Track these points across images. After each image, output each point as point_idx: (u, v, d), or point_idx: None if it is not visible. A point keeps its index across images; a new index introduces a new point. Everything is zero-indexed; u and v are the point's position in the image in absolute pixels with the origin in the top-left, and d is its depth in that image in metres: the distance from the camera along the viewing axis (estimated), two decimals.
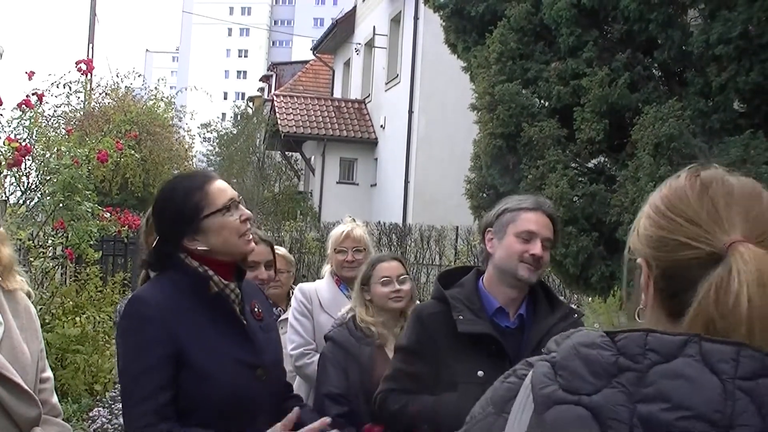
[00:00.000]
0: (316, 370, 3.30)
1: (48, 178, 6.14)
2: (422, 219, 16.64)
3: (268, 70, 42.15)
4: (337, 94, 27.48)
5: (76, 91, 12.10)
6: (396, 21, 21.63)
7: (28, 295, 2.24)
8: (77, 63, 6.79)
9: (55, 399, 2.30)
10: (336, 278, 3.83)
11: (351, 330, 3.21)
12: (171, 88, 38.84)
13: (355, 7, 25.81)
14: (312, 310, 3.76)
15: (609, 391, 1.03)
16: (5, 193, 6.42)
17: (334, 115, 23.59)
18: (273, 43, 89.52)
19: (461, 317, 2.54)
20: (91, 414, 6.66)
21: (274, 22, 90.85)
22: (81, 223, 6.05)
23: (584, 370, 1.06)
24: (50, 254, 6.60)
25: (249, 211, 2.33)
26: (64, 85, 11.01)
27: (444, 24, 9.90)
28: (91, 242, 6.23)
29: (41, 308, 6.04)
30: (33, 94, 6.36)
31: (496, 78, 8.42)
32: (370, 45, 23.58)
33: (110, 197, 15.84)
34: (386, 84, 21.99)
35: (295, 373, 3.64)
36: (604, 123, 7.64)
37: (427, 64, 19.17)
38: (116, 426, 6.40)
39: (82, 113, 18.51)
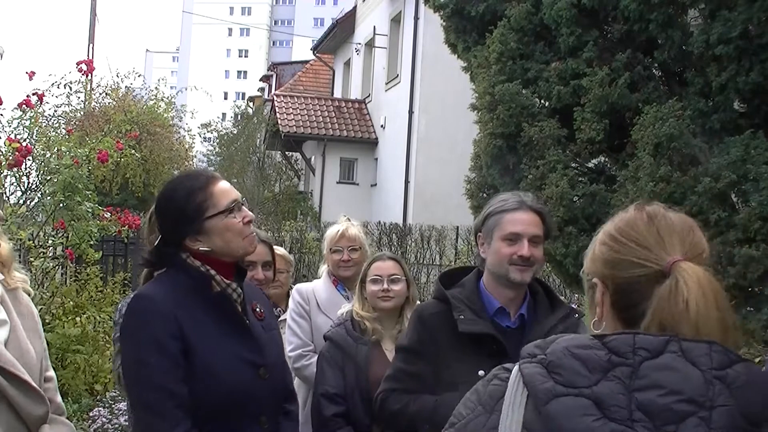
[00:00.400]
0: (314, 371, 3.31)
1: (48, 178, 6.14)
2: (422, 219, 16.64)
3: (268, 70, 42.14)
4: (338, 94, 27.48)
5: (76, 91, 12.13)
6: (396, 21, 21.62)
7: (28, 294, 2.25)
8: (77, 63, 6.79)
9: (59, 398, 2.31)
10: (333, 278, 3.83)
11: (348, 330, 3.23)
12: (171, 88, 38.84)
13: (355, 7, 25.81)
14: (309, 311, 3.76)
15: (607, 383, 1.23)
16: (5, 193, 6.42)
17: (334, 115, 23.59)
18: (273, 43, 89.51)
19: (462, 317, 2.54)
20: (91, 414, 6.66)
21: (275, 22, 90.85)
22: (81, 223, 6.05)
23: (581, 368, 1.26)
24: (50, 254, 6.60)
25: (251, 213, 2.33)
26: (64, 85, 11.03)
27: (444, 24, 9.90)
28: (92, 242, 6.23)
29: (41, 308, 6.04)
30: (33, 94, 6.36)
31: (496, 78, 8.42)
32: (370, 45, 23.58)
33: (110, 197, 15.85)
34: (386, 84, 21.99)
35: (294, 374, 3.64)
36: (605, 123, 7.64)
37: (428, 64, 19.16)
38: (116, 426, 6.39)
39: (82, 113, 18.50)
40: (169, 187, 2.36)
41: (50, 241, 6.40)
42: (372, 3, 23.66)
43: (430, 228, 15.67)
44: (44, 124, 7.87)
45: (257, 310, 2.39)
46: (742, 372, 1.25)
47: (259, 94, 39.71)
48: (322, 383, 3.13)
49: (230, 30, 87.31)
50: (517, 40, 8.43)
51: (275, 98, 25.42)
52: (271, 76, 37.35)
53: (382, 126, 22.27)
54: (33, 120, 6.42)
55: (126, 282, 9.65)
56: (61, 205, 6.07)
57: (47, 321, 6.45)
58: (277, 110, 23.82)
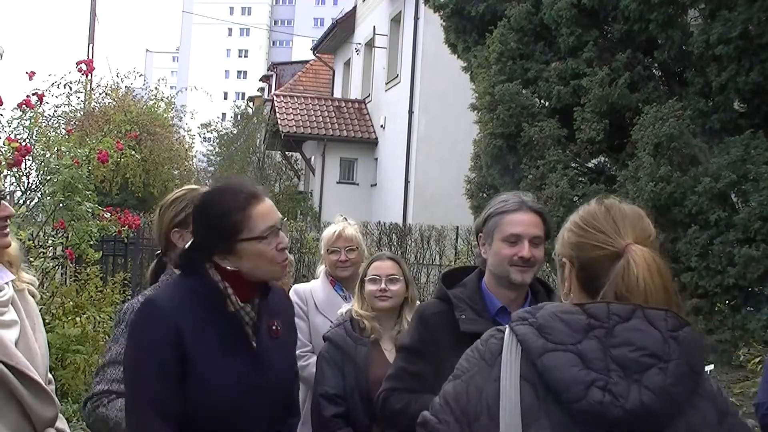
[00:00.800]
0: (313, 371, 3.30)
1: (48, 178, 6.13)
2: (422, 219, 16.63)
3: (268, 70, 42.13)
4: (337, 94, 27.47)
5: (76, 91, 12.12)
6: (396, 21, 21.62)
7: (33, 296, 2.24)
8: (77, 63, 6.77)
9: (57, 401, 2.30)
10: (330, 279, 3.83)
11: (348, 330, 3.22)
12: (171, 88, 38.82)
13: (355, 7, 25.81)
14: (307, 312, 3.75)
15: (588, 342, 1.55)
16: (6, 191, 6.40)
17: (334, 115, 23.59)
18: (273, 43, 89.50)
19: (464, 317, 2.54)
20: None
21: (274, 22, 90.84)
22: (81, 223, 6.04)
23: (566, 329, 1.58)
24: (50, 254, 6.59)
25: (286, 239, 2.26)
26: (64, 86, 11.01)
27: (444, 24, 9.90)
28: (92, 242, 6.21)
29: (41, 308, 6.03)
30: (33, 94, 6.34)
31: (496, 78, 8.42)
32: (370, 45, 23.58)
33: (110, 197, 15.84)
34: (386, 84, 21.99)
35: None
36: (605, 123, 7.64)
37: (428, 64, 19.16)
38: None
39: (82, 113, 18.50)
40: (212, 196, 2.28)
41: (50, 241, 6.39)
42: (372, 3, 23.66)
43: (430, 228, 15.67)
44: (44, 124, 7.86)
45: (274, 327, 2.32)
46: (689, 332, 1.58)
47: (259, 94, 39.71)
48: (321, 384, 3.12)
49: (230, 30, 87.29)
50: (517, 40, 8.43)
51: (275, 98, 25.41)
52: (271, 76, 37.34)
53: (382, 126, 22.27)
54: (33, 120, 6.41)
55: (126, 282, 9.64)
56: (61, 205, 6.06)
57: (47, 321, 6.44)
58: (277, 110, 23.82)
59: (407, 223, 17.62)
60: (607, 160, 8.56)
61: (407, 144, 20.07)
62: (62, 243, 6.33)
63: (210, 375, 2.16)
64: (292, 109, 23.78)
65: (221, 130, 28.70)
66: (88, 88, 17.39)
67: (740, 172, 6.63)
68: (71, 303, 7.42)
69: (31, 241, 6.07)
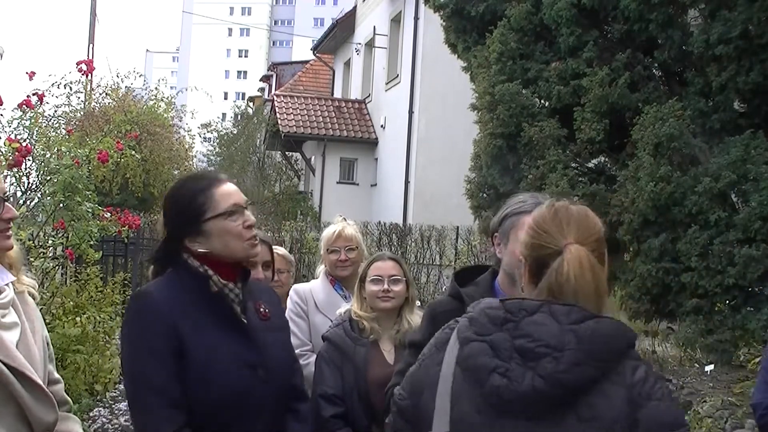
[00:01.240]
0: (313, 371, 3.30)
1: (48, 178, 6.12)
2: (422, 219, 16.63)
3: (268, 70, 42.13)
4: (338, 94, 27.47)
5: (76, 92, 12.12)
6: (396, 21, 21.63)
7: (33, 298, 2.24)
8: (78, 63, 6.77)
9: (66, 395, 2.31)
10: (330, 278, 3.84)
11: (347, 330, 3.22)
12: (171, 88, 38.82)
13: (355, 7, 25.81)
14: (307, 311, 3.76)
15: (500, 334, 1.78)
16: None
17: (334, 115, 23.59)
18: (273, 43, 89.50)
19: None
20: (91, 414, 6.65)
21: (275, 22, 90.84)
22: (81, 224, 6.04)
23: (487, 322, 1.81)
24: (50, 254, 6.59)
25: (253, 218, 2.33)
26: (64, 86, 11.01)
27: (444, 24, 9.90)
28: (92, 242, 6.21)
29: (41, 308, 6.03)
30: (33, 95, 6.34)
31: (496, 78, 8.42)
32: (370, 45, 23.58)
33: (110, 197, 15.82)
34: (386, 84, 21.99)
35: None
36: (605, 123, 7.64)
37: (428, 64, 19.16)
38: (116, 426, 6.40)
39: (82, 113, 18.48)
40: (175, 186, 2.42)
41: (50, 241, 6.38)
42: (372, 3, 23.66)
43: (430, 228, 15.67)
44: (44, 125, 7.84)
45: (262, 310, 2.39)
46: (592, 325, 1.74)
47: (259, 94, 39.70)
48: (320, 384, 3.12)
49: (230, 30, 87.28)
50: (517, 40, 8.43)
51: (275, 98, 25.41)
52: (271, 76, 37.34)
53: (382, 126, 22.27)
54: (33, 120, 6.40)
55: (126, 282, 9.64)
56: (61, 205, 6.06)
57: (47, 321, 6.44)
58: (277, 110, 23.82)
59: (407, 223, 17.63)
60: (607, 160, 8.56)
61: (407, 144, 20.07)
62: (62, 243, 6.33)
63: (207, 356, 2.21)
64: (292, 109, 23.78)
65: (221, 131, 28.71)
66: (89, 89, 17.39)
67: (740, 172, 6.62)
68: (71, 303, 7.43)
69: (31, 241, 6.07)
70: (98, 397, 7.06)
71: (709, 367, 7.55)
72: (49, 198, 6.15)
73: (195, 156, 26.59)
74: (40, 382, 2.04)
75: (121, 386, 7.03)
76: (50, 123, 12.45)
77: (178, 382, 2.17)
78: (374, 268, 3.27)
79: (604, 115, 7.65)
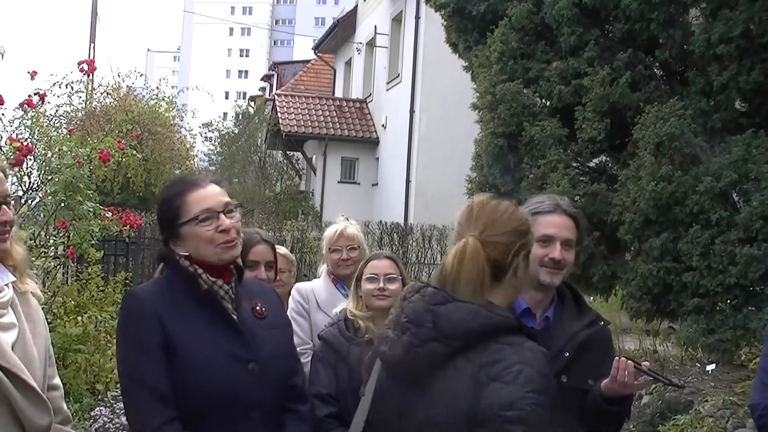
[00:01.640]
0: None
1: (50, 177, 6.13)
2: (423, 218, 16.64)
3: (269, 70, 42.12)
4: (339, 93, 27.46)
5: (77, 91, 12.16)
6: (397, 20, 21.62)
7: (38, 299, 2.23)
8: (79, 63, 6.78)
9: (65, 407, 2.30)
10: (332, 277, 3.87)
11: (341, 330, 3.21)
12: (172, 87, 38.81)
13: (356, 7, 25.80)
14: (309, 310, 3.79)
15: (396, 310, 2.10)
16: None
17: (335, 114, 23.59)
18: (274, 42, 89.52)
19: None
20: (92, 413, 6.66)
21: (276, 21, 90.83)
22: (83, 223, 6.05)
23: (399, 302, 2.10)
24: (52, 254, 6.60)
25: (229, 222, 2.32)
26: (65, 85, 11.05)
27: (445, 23, 9.90)
28: (93, 242, 6.22)
29: (42, 307, 6.03)
30: (35, 94, 6.35)
31: (497, 77, 8.42)
32: (371, 44, 23.58)
33: (112, 197, 15.85)
34: (387, 83, 21.98)
35: None
36: (606, 122, 7.63)
37: (429, 63, 19.16)
38: (118, 425, 6.40)
39: (83, 113, 18.51)
40: (162, 190, 2.53)
41: (51, 241, 6.40)
42: (373, 2, 23.66)
43: (432, 227, 15.68)
44: (46, 124, 7.86)
45: (258, 308, 2.42)
46: (450, 308, 1.96)
47: (260, 93, 39.71)
48: (314, 384, 3.11)
49: (231, 29, 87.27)
50: (518, 39, 8.42)
51: (276, 98, 25.41)
52: (272, 75, 37.35)
53: (383, 125, 22.27)
54: (34, 120, 6.41)
55: (127, 281, 9.64)
56: (63, 204, 6.06)
57: (48, 321, 6.44)
58: (278, 110, 23.82)
59: (408, 222, 17.64)
60: (608, 159, 8.56)
61: (408, 143, 20.07)
62: (64, 242, 6.34)
63: (195, 350, 2.25)
64: (294, 108, 23.78)
65: (222, 130, 28.70)
66: (90, 88, 17.42)
67: (741, 171, 6.62)
68: (73, 302, 7.44)
69: (32, 241, 6.07)
70: (99, 397, 7.06)
71: (710, 367, 7.55)
72: (50, 197, 6.15)
73: (196, 155, 26.62)
74: (34, 384, 2.02)
75: None
76: (52, 122, 12.48)
77: (167, 376, 2.21)
78: (370, 266, 3.28)
79: (605, 115, 7.64)
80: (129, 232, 7.10)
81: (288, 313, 3.83)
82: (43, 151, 6.29)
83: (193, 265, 2.32)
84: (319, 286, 3.88)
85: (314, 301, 3.80)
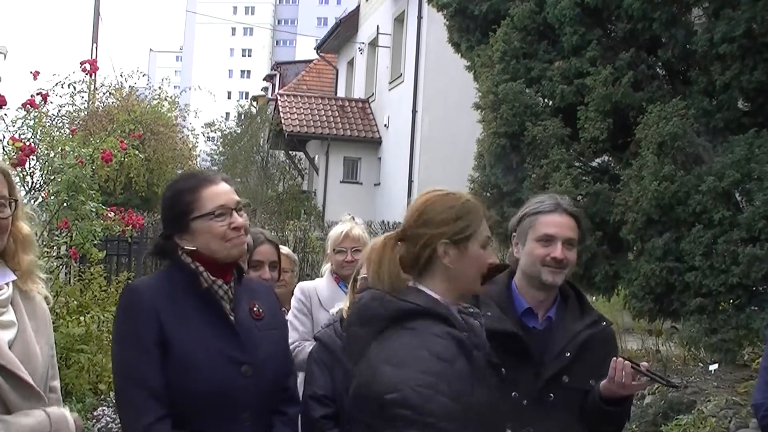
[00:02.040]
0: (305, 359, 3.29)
1: (52, 177, 6.13)
2: None
3: (271, 70, 42.11)
4: (341, 93, 27.46)
5: (80, 91, 12.10)
6: (399, 20, 21.62)
7: (46, 301, 2.22)
8: (81, 63, 6.78)
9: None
10: (335, 276, 3.87)
11: (337, 330, 3.19)
12: (175, 87, 38.89)
13: (358, 7, 25.80)
14: (311, 308, 3.81)
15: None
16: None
17: (337, 114, 23.59)
18: (276, 42, 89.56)
19: (489, 313, 2.54)
20: (95, 413, 6.66)
21: (278, 21, 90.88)
22: (85, 223, 6.05)
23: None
24: (54, 254, 6.60)
25: (241, 220, 2.36)
26: (68, 85, 11.01)
27: (447, 23, 9.90)
28: (95, 242, 6.23)
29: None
30: (37, 94, 6.35)
31: (499, 77, 8.41)
32: (373, 44, 23.58)
33: (114, 197, 15.84)
34: (390, 83, 21.98)
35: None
36: (608, 122, 7.62)
37: (431, 63, 19.16)
38: (120, 425, 6.40)
39: (86, 113, 18.54)
40: (170, 184, 2.50)
41: (54, 241, 6.40)
42: (375, 2, 23.65)
43: None
44: (48, 124, 7.85)
45: (255, 309, 2.42)
46: (364, 296, 2.10)
47: (262, 93, 39.73)
48: (310, 385, 3.09)
49: (233, 29, 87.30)
50: (521, 39, 8.41)
51: (279, 98, 25.42)
52: (275, 75, 37.35)
53: (385, 125, 22.27)
54: (37, 120, 6.41)
55: (130, 282, 9.65)
56: (65, 204, 6.06)
57: (51, 321, 6.44)
58: (280, 110, 23.83)
59: None
60: (610, 159, 8.55)
61: (410, 143, 20.07)
62: (66, 242, 6.34)
63: (190, 349, 2.25)
64: (296, 108, 23.78)
65: (225, 130, 28.71)
66: (92, 88, 17.42)
67: (744, 170, 6.61)
68: (75, 302, 7.44)
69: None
70: (102, 397, 7.07)
71: (713, 367, 7.54)
72: (53, 197, 6.15)
73: (198, 155, 26.64)
74: (29, 380, 2.00)
75: None
76: (54, 122, 12.48)
77: (161, 374, 2.22)
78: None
79: (607, 114, 7.63)
80: (131, 232, 7.10)
81: (291, 311, 3.85)
82: (46, 151, 6.29)
83: (195, 262, 2.33)
84: (322, 284, 3.90)
85: (317, 300, 3.82)
